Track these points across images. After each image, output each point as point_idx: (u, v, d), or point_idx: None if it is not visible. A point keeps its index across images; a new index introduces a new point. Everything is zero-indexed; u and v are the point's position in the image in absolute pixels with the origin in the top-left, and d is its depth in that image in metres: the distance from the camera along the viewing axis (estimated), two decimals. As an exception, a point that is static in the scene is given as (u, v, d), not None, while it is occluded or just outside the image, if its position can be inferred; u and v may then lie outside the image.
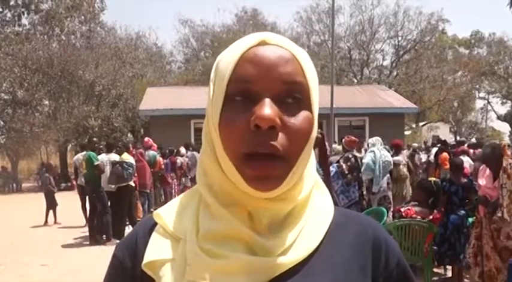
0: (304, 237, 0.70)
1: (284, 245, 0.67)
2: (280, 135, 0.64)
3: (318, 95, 0.71)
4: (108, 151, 8.36)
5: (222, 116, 0.66)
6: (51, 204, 10.08)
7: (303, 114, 0.67)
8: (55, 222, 10.09)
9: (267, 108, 0.63)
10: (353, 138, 6.89)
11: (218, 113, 0.67)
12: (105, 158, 8.07)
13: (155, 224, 0.74)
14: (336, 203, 0.81)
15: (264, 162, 0.63)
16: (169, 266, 0.69)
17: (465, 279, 5.34)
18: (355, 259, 0.72)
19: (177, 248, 0.69)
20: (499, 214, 4.20)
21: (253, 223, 0.69)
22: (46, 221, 10.06)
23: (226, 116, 0.66)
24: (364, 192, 6.97)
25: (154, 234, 0.73)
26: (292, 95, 0.66)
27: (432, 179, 6.25)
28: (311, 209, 0.73)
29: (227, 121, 0.66)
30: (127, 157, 8.01)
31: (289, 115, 0.65)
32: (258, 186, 0.65)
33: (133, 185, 8.09)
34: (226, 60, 0.68)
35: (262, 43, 0.68)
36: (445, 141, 12.57)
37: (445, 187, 5.32)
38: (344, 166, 6.35)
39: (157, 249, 0.70)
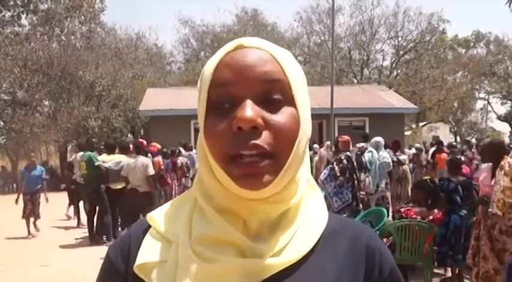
0: (296, 241, 0.70)
1: (275, 248, 0.67)
2: (265, 134, 0.64)
3: (304, 93, 0.71)
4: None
5: (206, 122, 0.67)
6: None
7: (287, 110, 0.67)
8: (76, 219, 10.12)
9: (248, 110, 0.63)
10: (345, 137, 6.83)
11: (203, 120, 0.68)
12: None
13: (149, 226, 0.74)
14: (328, 206, 0.81)
15: (250, 160, 0.64)
16: (160, 268, 0.69)
17: (465, 280, 5.34)
18: (348, 266, 0.72)
19: (169, 251, 0.69)
20: (490, 209, 4.21)
21: (246, 228, 0.69)
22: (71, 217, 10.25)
23: (210, 122, 0.67)
24: (363, 193, 6.96)
25: (147, 237, 0.73)
26: (273, 94, 0.66)
27: (427, 177, 6.25)
28: (304, 212, 0.73)
29: (211, 126, 0.66)
30: (109, 159, 7.92)
31: (272, 113, 0.66)
32: (245, 185, 0.64)
33: (119, 187, 7.76)
34: (208, 68, 0.69)
35: (239, 47, 0.69)
36: (442, 142, 12.59)
37: (443, 185, 5.31)
38: (336, 168, 6.31)
39: (149, 252, 0.71)
